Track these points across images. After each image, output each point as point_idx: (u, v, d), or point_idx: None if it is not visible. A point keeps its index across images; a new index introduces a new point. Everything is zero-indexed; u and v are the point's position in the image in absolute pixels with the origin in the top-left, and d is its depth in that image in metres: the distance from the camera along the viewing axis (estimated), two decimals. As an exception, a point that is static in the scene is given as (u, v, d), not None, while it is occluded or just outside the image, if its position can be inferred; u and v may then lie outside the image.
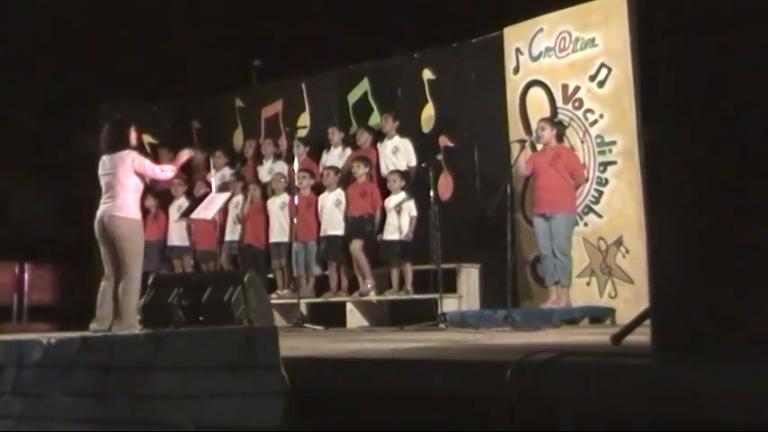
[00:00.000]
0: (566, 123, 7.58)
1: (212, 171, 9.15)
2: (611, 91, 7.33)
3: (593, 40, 7.50)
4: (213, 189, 8.70)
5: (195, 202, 8.02)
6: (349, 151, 9.07)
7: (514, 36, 8.12)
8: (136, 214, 6.35)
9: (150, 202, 9.48)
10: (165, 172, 6.63)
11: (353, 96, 9.49)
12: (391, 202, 8.26)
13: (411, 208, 8.12)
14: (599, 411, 2.22)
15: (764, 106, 2.25)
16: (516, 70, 8.08)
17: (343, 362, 3.10)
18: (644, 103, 2.58)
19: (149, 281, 7.33)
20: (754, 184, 2.25)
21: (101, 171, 6.36)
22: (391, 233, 8.19)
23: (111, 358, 3.07)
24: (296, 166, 8.52)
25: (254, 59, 10.32)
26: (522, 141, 7.36)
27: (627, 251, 7.09)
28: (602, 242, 7.29)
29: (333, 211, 8.62)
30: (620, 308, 6.96)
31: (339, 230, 8.53)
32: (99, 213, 6.28)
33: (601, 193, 7.36)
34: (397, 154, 8.60)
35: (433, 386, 2.60)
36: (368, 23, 9.70)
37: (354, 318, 8.39)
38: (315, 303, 8.70)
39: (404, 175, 8.32)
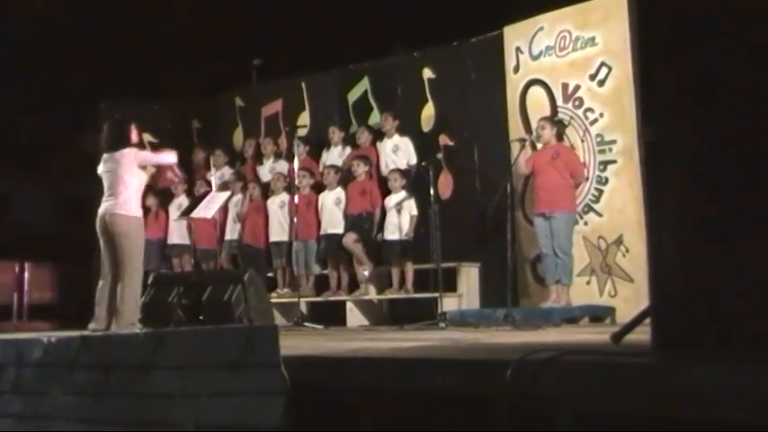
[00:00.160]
0: (566, 122, 7.58)
1: (212, 170, 9.16)
2: (611, 90, 7.33)
3: (593, 38, 7.50)
4: (213, 188, 8.70)
5: (195, 200, 8.04)
6: (349, 150, 9.07)
7: (514, 35, 8.12)
8: (137, 212, 6.35)
9: (151, 201, 9.49)
10: (168, 156, 6.68)
11: (353, 95, 9.49)
12: (392, 201, 8.26)
13: (411, 207, 8.12)
14: (599, 410, 2.22)
15: (764, 104, 2.25)
16: (516, 69, 8.08)
17: (343, 361, 3.10)
18: (644, 102, 2.57)
19: (149, 280, 7.34)
20: (755, 183, 2.24)
21: (102, 169, 6.36)
22: (392, 232, 8.19)
23: (111, 357, 3.07)
24: (296, 165, 8.52)
25: (255, 59, 10.32)
26: (523, 140, 7.35)
27: (627, 250, 7.09)
28: (602, 241, 7.29)
29: (333, 210, 8.62)
30: (620, 307, 6.96)
31: (339, 229, 8.53)
32: (101, 211, 6.29)
33: (601, 192, 7.36)
34: (398, 153, 8.60)
35: (434, 385, 2.60)
36: (368, 22, 9.71)
37: (354, 317, 8.40)
38: (315, 302, 8.71)
39: (404, 173, 8.32)
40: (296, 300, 8.18)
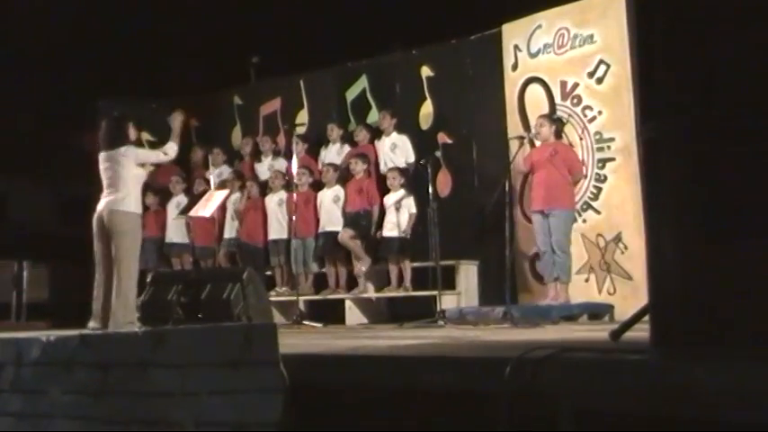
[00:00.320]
0: (564, 120, 7.59)
1: (211, 168, 9.16)
2: (610, 87, 7.34)
3: (591, 36, 7.50)
4: (212, 186, 8.70)
5: (194, 199, 8.03)
6: (347, 148, 9.08)
7: (513, 33, 8.12)
8: (137, 209, 6.35)
9: (150, 200, 9.49)
10: (168, 153, 6.62)
11: (352, 93, 9.49)
12: (390, 199, 8.27)
13: (410, 205, 8.12)
14: (598, 407, 2.22)
15: (763, 102, 2.25)
16: (515, 67, 8.08)
17: (342, 359, 3.10)
18: (642, 100, 2.57)
19: (148, 278, 7.34)
20: (754, 182, 2.24)
21: (101, 167, 6.36)
22: (390, 230, 8.20)
23: (110, 356, 3.06)
24: (294, 163, 8.52)
25: (253, 57, 10.32)
26: (521, 138, 7.35)
27: (625, 247, 7.10)
28: (600, 239, 7.30)
29: (331, 208, 8.63)
30: (618, 304, 6.97)
31: (338, 227, 8.54)
32: (100, 207, 6.28)
33: (599, 189, 7.37)
34: (396, 151, 8.60)
35: (432, 383, 2.60)
36: (366, 21, 9.71)
37: (353, 315, 8.41)
38: (313, 300, 8.71)
39: (403, 172, 8.32)
40: (295, 298, 8.19)
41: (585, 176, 7.40)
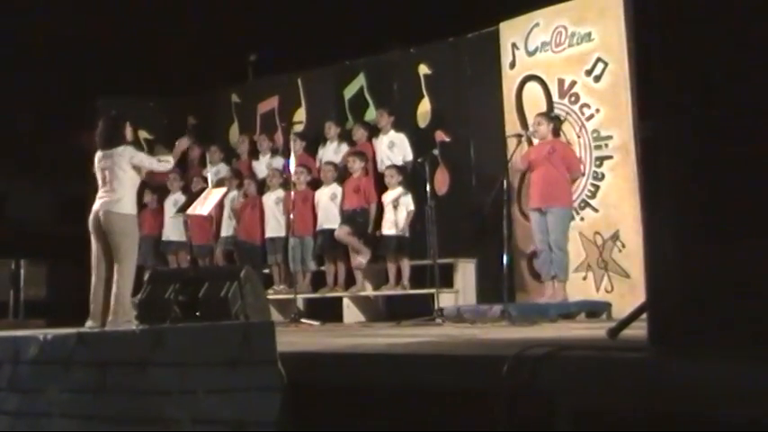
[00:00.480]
0: (562, 118, 7.58)
1: (208, 166, 9.16)
2: (608, 85, 7.33)
3: (589, 34, 7.50)
4: (209, 184, 8.69)
5: (192, 197, 8.02)
6: (345, 146, 9.07)
7: (510, 31, 8.12)
8: (132, 210, 6.36)
9: (148, 198, 9.49)
10: (163, 163, 6.63)
11: (349, 92, 9.49)
12: (388, 197, 8.27)
13: (408, 203, 8.12)
14: (596, 405, 2.22)
15: (761, 101, 2.25)
16: (512, 65, 8.08)
17: (340, 357, 3.10)
18: (640, 98, 2.57)
19: (146, 276, 7.33)
20: (754, 182, 2.24)
21: (97, 166, 6.36)
22: (388, 228, 8.20)
23: (108, 354, 3.06)
24: (292, 161, 8.52)
25: (250, 55, 10.31)
26: (519, 136, 7.34)
27: (623, 245, 7.10)
28: (598, 237, 7.30)
29: (328, 206, 8.63)
30: (616, 302, 6.97)
31: (335, 224, 8.54)
32: (95, 207, 6.29)
33: (597, 187, 7.37)
34: (393, 149, 8.60)
35: (430, 381, 2.60)
36: (364, 19, 9.70)
37: (351, 313, 8.41)
38: (311, 299, 8.71)
39: (401, 170, 8.32)
40: (292, 296, 8.18)
41: (583, 174, 7.41)
